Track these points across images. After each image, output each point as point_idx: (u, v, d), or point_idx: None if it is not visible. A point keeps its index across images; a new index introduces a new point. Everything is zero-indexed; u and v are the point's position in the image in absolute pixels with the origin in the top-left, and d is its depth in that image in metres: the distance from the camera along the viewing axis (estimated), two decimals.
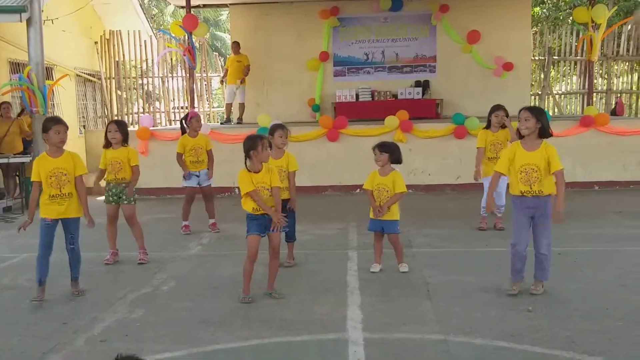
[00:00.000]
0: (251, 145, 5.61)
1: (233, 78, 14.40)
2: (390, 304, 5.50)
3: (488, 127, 8.36)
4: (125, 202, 7.19)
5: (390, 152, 6.43)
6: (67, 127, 5.90)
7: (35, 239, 5.99)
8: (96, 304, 5.69)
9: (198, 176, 8.72)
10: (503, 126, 8.27)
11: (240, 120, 14.40)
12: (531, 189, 5.52)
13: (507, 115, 8.25)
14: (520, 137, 5.66)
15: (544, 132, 5.56)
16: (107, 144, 7.20)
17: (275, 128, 6.76)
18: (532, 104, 16.70)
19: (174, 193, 12.02)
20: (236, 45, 14.56)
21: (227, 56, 18.43)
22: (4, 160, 11.04)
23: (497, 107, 8.33)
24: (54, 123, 5.86)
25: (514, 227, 5.72)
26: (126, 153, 7.16)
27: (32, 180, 5.84)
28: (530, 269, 5.71)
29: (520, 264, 5.68)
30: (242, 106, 14.53)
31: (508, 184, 5.98)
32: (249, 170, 5.64)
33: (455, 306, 5.38)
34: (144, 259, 7.20)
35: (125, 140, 7.19)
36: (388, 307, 5.42)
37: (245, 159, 5.69)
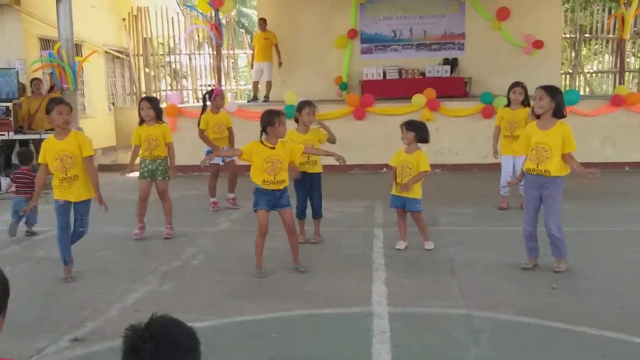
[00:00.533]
0: (268, 120, 5.75)
1: (260, 55, 14.46)
2: (414, 280, 5.64)
3: (508, 104, 8.36)
4: (160, 177, 7.37)
5: (416, 131, 6.51)
6: (70, 108, 5.84)
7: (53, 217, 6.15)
8: (128, 276, 5.91)
9: None
10: (524, 104, 8.21)
11: (267, 98, 14.52)
12: (537, 167, 5.58)
13: (526, 93, 8.20)
14: (537, 117, 5.70)
15: (558, 111, 5.58)
16: (141, 121, 7.35)
17: (302, 105, 6.90)
18: (562, 83, 16.61)
19: (202, 170, 12.22)
20: (263, 22, 14.62)
21: (254, 33, 18.53)
22: (37, 136, 11.32)
23: (515, 84, 8.29)
24: (56, 103, 5.77)
25: (524, 206, 5.91)
26: (161, 130, 7.31)
27: (38, 162, 5.87)
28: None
29: (531, 243, 5.80)
30: (269, 84, 14.64)
31: None
32: (263, 143, 5.76)
33: (479, 282, 5.51)
34: (170, 233, 7.41)
35: (158, 116, 7.34)
36: (412, 283, 5.55)
37: (261, 133, 5.82)
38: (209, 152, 8.82)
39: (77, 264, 6.08)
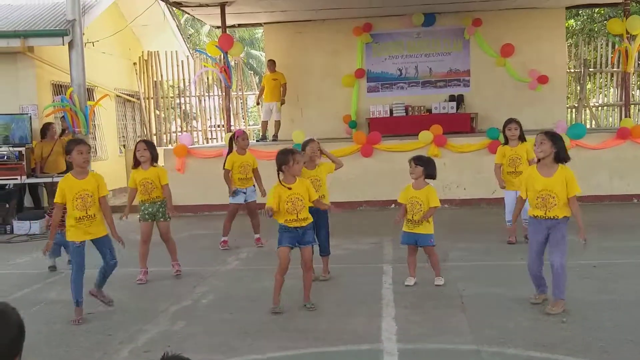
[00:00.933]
0: (283, 159, 5.87)
1: (269, 96, 14.64)
2: (424, 316, 5.63)
3: (506, 142, 8.43)
4: (162, 219, 7.43)
5: (424, 165, 6.57)
6: (89, 148, 6.04)
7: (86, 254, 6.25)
8: (139, 316, 5.93)
9: (245, 193, 8.96)
10: (521, 139, 8.31)
11: (275, 137, 14.65)
12: (545, 215, 5.58)
13: (521, 128, 8.32)
14: (537, 160, 5.74)
15: (560, 157, 5.60)
16: (136, 164, 7.38)
17: (306, 143, 7.03)
18: (568, 117, 16.67)
19: (211, 210, 12.31)
20: (272, 64, 14.83)
21: (262, 74, 18.79)
22: (48, 179, 11.45)
23: (509, 121, 8.41)
24: (76, 144, 5.95)
25: (528, 249, 5.87)
26: (156, 172, 7.35)
27: (55, 201, 5.93)
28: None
29: (537, 281, 5.81)
30: (277, 123, 14.78)
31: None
32: (282, 184, 5.86)
33: (489, 317, 5.48)
34: (179, 270, 7.47)
35: (154, 159, 7.38)
36: (422, 319, 5.54)
37: (278, 173, 5.91)
38: (234, 192, 8.88)
39: (89, 305, 6.12)
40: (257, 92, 16.70)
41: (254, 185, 9.08)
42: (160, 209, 7.41)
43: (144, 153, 7.29)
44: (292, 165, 5.85)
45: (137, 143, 7.58)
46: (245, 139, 9.12)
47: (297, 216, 5.83)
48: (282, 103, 14.70)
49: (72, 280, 5.93)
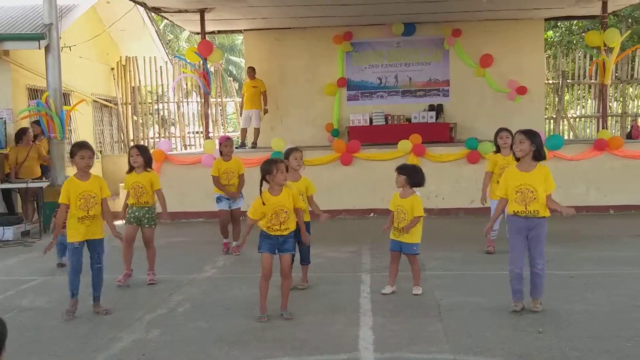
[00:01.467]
0: (267, 169, 5.86)
1: (249, 103, 14.65)
2: (401, 325, 5.64)
3: (498, 151, 8.48)
4: (147, 225, 7.43)
5: (407, 175, 6.59)
6: (92, 152, 6.20)
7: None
8: (114, 324, 5.87)
9: (229, 199, 8.95)
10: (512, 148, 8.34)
11: (254, 145, 14.64)
12: (526, 209, 5.69)
13: (512, 137, 8.34)
14: (517, 160, 5.83)
15: (538, 155, 5.72)
16: (130, 169, 7.44)
17: (289, 151, 7.01)
18: (546, 128, 16.86)
19: (188, 217, 12.25)
20: (251, 71, 14.85)
21: (242, 81, 18.76)
22: (23, 185, 11.33)
23: (501, 130, 8.46)
24: (79, 149, 6.18)
25: (509, 248, 5.92)
26: (149, 177, 7.41)
27: (60, 202, 6.12)
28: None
29: (519, 285, 5.86)
30: (257, 131, 14.78)
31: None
32: (266, 193, 5.86)
33: (466, 327, 5.51)
34: (154, 279, 7.45)
35: (147, 164, 7.46)
36: (399, 328, 5.55)
37: (261, 183, 5.90)
38: (217, 199, 8.89)
39: (62, 313, 6.07)
40: (238, 99, 16.66)
41: (240, 193, 9.07)
42: (147, 215, 7.42)
43: (137, 159, 7.38)
44: (275, 174, 5.84)
45: (130, 149, 7.63)
46: (229, 146, 9.15)
47: (280, 226, 5.85)
48: (265, 112, 14.70)
49: (69, 277, 6.19)
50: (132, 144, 17.82)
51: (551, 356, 4.76)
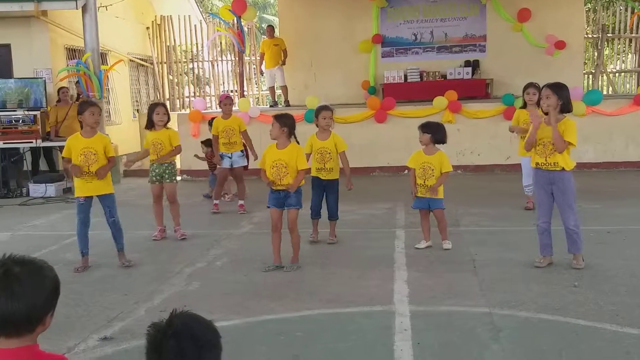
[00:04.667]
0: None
1: (271, 62, 14.62)
2: (436, 279, 5.68)
3: (524, 106, 8.32)
4: (167, 180, 7.57)
5: (432, 132, 6.57)
6: (100, 110, 6.38)
7: (94, 217, 6.46)
8: (155, 277, 6.03)
9: (230, 157, 9.04)
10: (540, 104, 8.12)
11: (287, 103, 14.63)
12: (546, 160, 5.67)
13: (539, 93, 8.11)
14: (545, 113, 5.77)
15: (565, 108, 5.65)
16: (149, 126, 7.54)
17: (319, 110, 7.03)
18: (585, 83, 16.49)
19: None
20: (271, 29, 14.91)
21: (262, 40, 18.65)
22: (63, 144, 11.50)
23: (529, 85, 8.22)
24: (89, 105, 6.36)
25: (536, 202, 5.94)
26: (167, 134, 7.52)
27: (62, 155, 6.40)
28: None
29: (545, 239, 5.84)
30: (284, 89, 14.79)
31: None
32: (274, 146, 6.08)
33: (501, 281, 5.53)
34: (184, 234, 7.57)
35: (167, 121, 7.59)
36: (434, 282, 5.59)
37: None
38: (220, 156, 8.97)
39: (106, 266, 6.25)
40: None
41: (241, 151, 9.12)
42: (167, 170, 7.54)
43: (163, 117, 7.48)
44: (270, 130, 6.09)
45: (155, 106, 7.63)
46: (228, 104, 9.19)
47: (280, 181, 5.99)
48: (283, 63, 14.64)
49: (77, 234, 6.41)
50: (168, 102, 17.96)
51: (586, 310, 4.76)
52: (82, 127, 6.40)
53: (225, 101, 9.20)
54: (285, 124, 6.01)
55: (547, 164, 5.68)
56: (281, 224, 6.13)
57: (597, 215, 8.02)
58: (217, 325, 1.97)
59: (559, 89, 5.65)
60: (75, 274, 6.23)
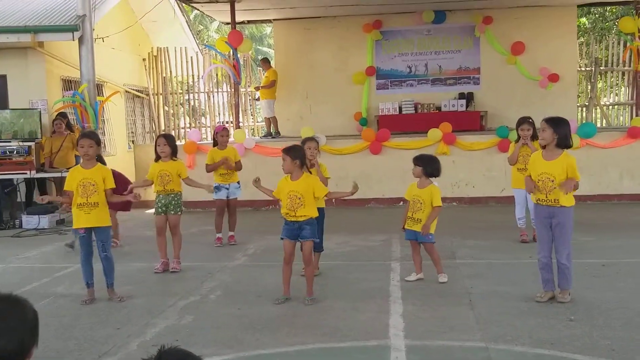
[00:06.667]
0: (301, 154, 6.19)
1: (261, 93, 14.99)
2: (432, 313, 5.65)
3: (518, 140, 8.34)
4: (172, 212, 7.55)
5: (423, 165, 6.59)
6: (91, 142, 6.32)
7: None
8: (148, 310, 5.98)
9: (227, 189, 9.04)
10: (534, 138, 8.11)
11: (273, 134, 14.76)
12: (546, 197, 5.66)
13: (534, 127, 8.16)
14: (543, 147, 5.81)
15: (562, 142, 5.65)
16: (157, 157, 7.57)
17: (304, 141, 7.06)
18: (579, 116, 16.62)
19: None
20: (264, 62, 15.15)
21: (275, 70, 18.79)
22: (57, 174, 11.51)
23: (522, 121, 8.23)
24: (80, 137, 6.49)
25: (537, 237, 5.94)
26: (175, 166, 7.56)
27: (64, 189, 6.44)
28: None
29: (547, 274, 5.83)
30: (270, 120, 15.01)
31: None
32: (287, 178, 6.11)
33: (497, 315, 5.50)
34: (177, 267, 7.53)
35: (174, 153, 7.59)
36: (430, 316, 5.56)
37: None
38: (215, 188, 8.94)
39: (98, 300, 6.23)
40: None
41: (238, 183, 9.13)
42: (173, 202, 7.55)
43: (164, 148, 7.53)
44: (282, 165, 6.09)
45: (157, 138, 7.79)
46: (225, 135, 9.21)
47: (295, 212, 5.99)
48: (256, 89, 14.93)
49: (81, 265, 6.42)
50: (161, 133, 18.01)
51: (582, 344, 4.73)
52: (76, 161, 6.50)
53: (222, 132, 9.23)
54: (297, 156, 6.04)
55: (548, 200, 5.67)
56: (294, 256, 6.13)
57: (591, 248, 8.03)
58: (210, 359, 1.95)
59: (555, 123, 5.67)
60: (70, 306, 6.18)
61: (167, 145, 7.53)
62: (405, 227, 6.68)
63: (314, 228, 6.12)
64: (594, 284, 6.37)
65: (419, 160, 6.64)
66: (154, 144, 7.70)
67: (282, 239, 6.13)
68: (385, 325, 5.31)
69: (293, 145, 6.30)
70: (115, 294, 6.41)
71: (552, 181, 5.60)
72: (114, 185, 6.41)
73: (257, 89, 15.21)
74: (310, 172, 6.32)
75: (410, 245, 6.79)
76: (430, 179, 6.62)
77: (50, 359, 4.77)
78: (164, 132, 11.59)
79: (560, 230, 5.68)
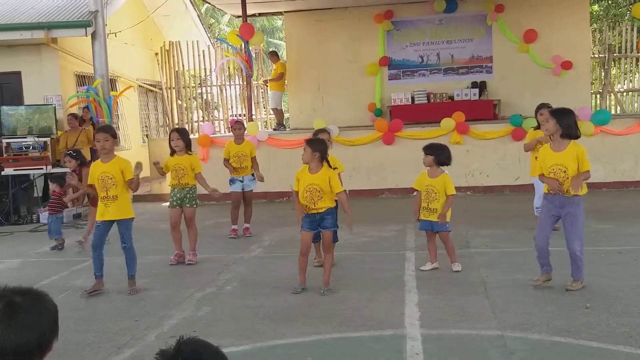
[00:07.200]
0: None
1: (271, 86, 15.19)
2: (447, 302, 5.64)
3: (538, 127, 8.30)
4: (187, 205, 7.59)
5: (434, 154, 6.57)
6: (106, 135, 6.34)
7: (107, 244, 6.50)
8: (165, 303, 6.02)
9: (242, 181, 9.06)
10: None
11: (281, 126, 14.81)
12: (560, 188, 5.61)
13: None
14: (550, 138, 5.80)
15: (567, 133, 5.61)
16: (172, 152, 7.61)
17: (316, 133, 7.07)
18: (593, 103, 16.48)
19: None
20: (272, 55, 15.39)
21: (283, 62, 18.81)
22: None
23: (541, 106, 8.19)
24: (96, 132, 6.57)
25: (537, 224, 5.91)
26: (189, 160, 7.59)
27: (88, 183, 6.56)
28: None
29: (542, 258, 5.82)
30: (276, 112, 15.10)
31: None
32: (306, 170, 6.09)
33: (512, 303, 5.49)
34: (193, 259, 7.56)
35: (187, 147, 7.61)
36: (445, 305, 5.56)
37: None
38: (230, 180, 9.00)
39: (116, 292, 6.28)
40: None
41: (252, 175, 9.13)
42: (188, 195, 7.58)
43: (178, 142, 7.57)
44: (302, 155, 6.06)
45: (170, 132, 7.84)
46: (239, 129, 9.23)
47: (315, 205, 5.99)
48: (264, 82, 15.08)
49: (91, 255, 6.50)
50: (174, 127, 18.10)
51: (599, 332, 4.71)
52: (91, 155, 6.53)
53: (236, 126, 9.24)
54: (317, 149, 6.02)
55: (560, 191, 5.64)
56: (310, 248, 6.20)
57: (608, 235, 7.98)
58: (227, 350, 1.96)
59: (558, 114, 5.67)
60: (88, 299, 6.23)
61: (181, 139, 7.56)
62: (421, 217, 6.65)
63: (334, 217, 6.16)
64: (610, 271, 6.34)
65: (430, 149, 6.62)
66: (168, 138, 7.73)
67: (302, 231, 6.12)
68: (400, 315, 5.32)
69: (317, 137, 6.32)
70: (134, 286, 6.43)
71: (565, 172, 5.57)
72: (132, 176, 6.39)
73: (265, 82, 15.26)
74: (331, 167, 6.25)
75: (425, 234, 6.77)
76: (441, 167, 6.59)
77: (70, 351, 4.82)
78: (177, 127, 11.61)
79: (571, 220, 5.64)
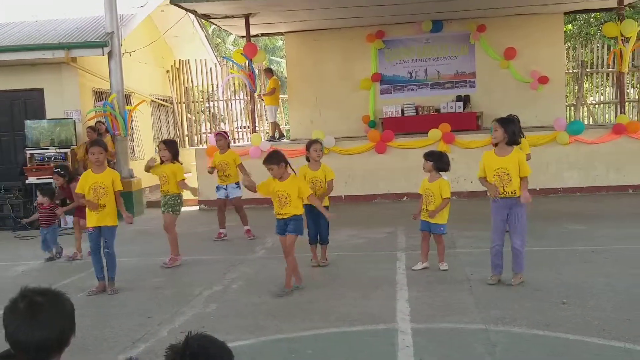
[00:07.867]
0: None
1: (267, 100, 15.14)
2: (435, 298, 5.64)
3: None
4: (165, 211, 7.59)
5: (434, 160, 6.57)
6: (100, 149, 6.37)
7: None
8: (176, 300, 6.01)
9: (225, 189, 9.05)
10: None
11: (274, 138, 14.79)
12: (504, 190, 5.70)
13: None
14: (495, 145, 5.87)
15: (511, 140, 5.72)
16: (162, 161, 7.63)
17: (310, 144, 7.05)
18: (567, 114, 16.51)
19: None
20: (266, 72, 15.33)
21: (283, 79, 18.87)
22: None
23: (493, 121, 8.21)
24: (90, 146, 6.52)
25: (491, 228, 5.95)
26: (172, 169, 7.53)
27: (76, 191, 6.55)
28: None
29: (497, 260, 5.91)
30: (273, 124, 15.02)
31: None
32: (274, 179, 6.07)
33: (495, 299, 5.48)
34: (169, 263, 7.45)
35: (174, 157, 7.58)
36: (433, 301, 5.55)
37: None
38: (217, 187, 9.01)
39: (131, 291, 6.25)
40: (284, 96, 16.93)
41: (236, 183, 9.06)
42: (169, 202, 7.56)
43: (164, 153, 7.57)
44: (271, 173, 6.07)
45: (158, 143, 7.76)
46: (219, 140, 9.21)
47: (281, 210, 6.00)
48: (259, 97, 15.10)
49: (92, 260, 6.50)
50: (186, 139, 18.11)
51: (575, 325, 4.71)
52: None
53: (217, 137, 9.30)
54: (280, 160, 5.98)
55: (505, 193, 5.74)
56: (291, 249, 6.12)
57: (582, 236, 7.98)
58: (233, 344, 1.96)
59: (504, 123, 5.77)
60: (105, 298, 6.22)
61: (167, 150, 7.53)
62: (421, 218, 6.66)
63: (298, 224, 6.06)
64: (584, 269, 6.34)
65: (430, 156, 6.63)
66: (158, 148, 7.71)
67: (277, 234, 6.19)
68: (392, 310, 5.31)
69: (269, 153, 6.19)
70: (113, 287, 6.42)
71: (508, 174, 5.69)
72: (122, 188, 6.48)
73: (259, 96, 15.25)
74: (296, 173, 6.25)
75: (421, 235, 6.75)
76: (440, 173, 6.60)
77: (89, 345, 4.81)
78: (165, 139, 11.59)
79: (516, 218, 5.75)
